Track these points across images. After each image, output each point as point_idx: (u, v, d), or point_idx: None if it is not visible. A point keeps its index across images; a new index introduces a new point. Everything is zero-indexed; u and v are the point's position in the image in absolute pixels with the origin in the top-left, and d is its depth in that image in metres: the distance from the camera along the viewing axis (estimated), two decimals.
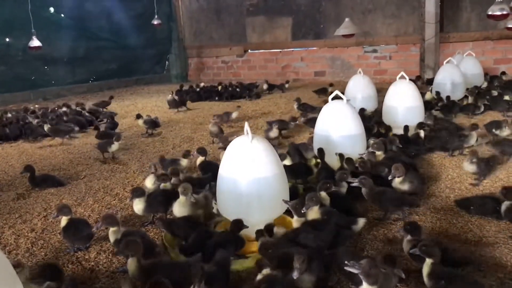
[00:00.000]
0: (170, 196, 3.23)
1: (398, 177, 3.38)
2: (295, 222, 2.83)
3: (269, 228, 2.64)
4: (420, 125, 4.94)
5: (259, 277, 2.23)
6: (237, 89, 9.65)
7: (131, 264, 2.35)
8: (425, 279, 2.20)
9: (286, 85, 10.12)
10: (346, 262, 2.03)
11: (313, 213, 2.77)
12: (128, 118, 7.75)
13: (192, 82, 11.98)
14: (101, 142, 5.18)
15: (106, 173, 4.63)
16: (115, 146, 5.05)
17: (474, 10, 10.19)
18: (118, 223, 2.76)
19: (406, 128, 4.93)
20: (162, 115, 7.69)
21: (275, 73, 12.46)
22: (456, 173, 4.06)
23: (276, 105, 8.34)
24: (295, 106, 7.05)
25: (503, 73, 8.82)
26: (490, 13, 7.44)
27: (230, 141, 2.96)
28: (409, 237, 2.47)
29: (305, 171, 3.85)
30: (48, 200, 3.93)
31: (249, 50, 12.85)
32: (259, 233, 2.60)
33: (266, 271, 2.23)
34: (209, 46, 13.35)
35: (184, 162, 4.24)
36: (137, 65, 13.02)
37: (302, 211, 2.79)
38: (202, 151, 4.19)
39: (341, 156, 3.85)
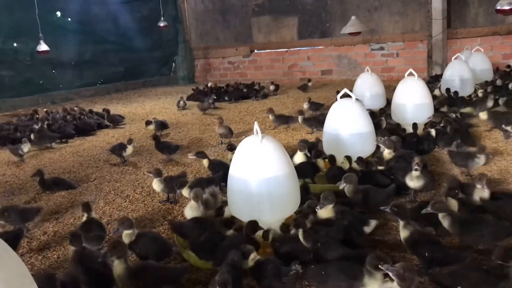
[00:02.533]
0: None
1: (416, 170, 3.35)
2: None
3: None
4: (432, 124, 4.89)
5: (250, 263, 2.31)
6: (244, 90, 9.63)
7: (118, 266, 2.30)
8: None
9: (309, 84, 9.68)
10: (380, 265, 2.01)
11: (327, 211, 2.75)
12: (136, 120, 7.77)
13: (199, 84, 12.00)
14: (115, 146, 5.19)
15: (116, 175, 4.65)
16: (129, 150, 5.05)
17: (482, 5, 10.08)
18: (133, 226, 2.74)
19: (415, 126, 4.92)
20: (170, 117, 7.71)
21: (282, 73, 12.44)
22: (465, 170, 4.02)
23: (283, 105, 8.33)
24: (305, 105, 7.04)
25: (508, 66, 8.69)
26: (498, 7, 7.34)
27: None
28: (402, 222, 2.50)
29: (312, 170, 3.83)
30: (59, 203, 3.95)
31: (255, 50, 12.84)
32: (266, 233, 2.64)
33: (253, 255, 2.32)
34: (215, 47, 13.36)
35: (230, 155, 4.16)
36: (144, 67, 13.06)
37: (317, 209, 2.78)
38: (201, 154, 4.19)
39: (348, 158, 3.83)
